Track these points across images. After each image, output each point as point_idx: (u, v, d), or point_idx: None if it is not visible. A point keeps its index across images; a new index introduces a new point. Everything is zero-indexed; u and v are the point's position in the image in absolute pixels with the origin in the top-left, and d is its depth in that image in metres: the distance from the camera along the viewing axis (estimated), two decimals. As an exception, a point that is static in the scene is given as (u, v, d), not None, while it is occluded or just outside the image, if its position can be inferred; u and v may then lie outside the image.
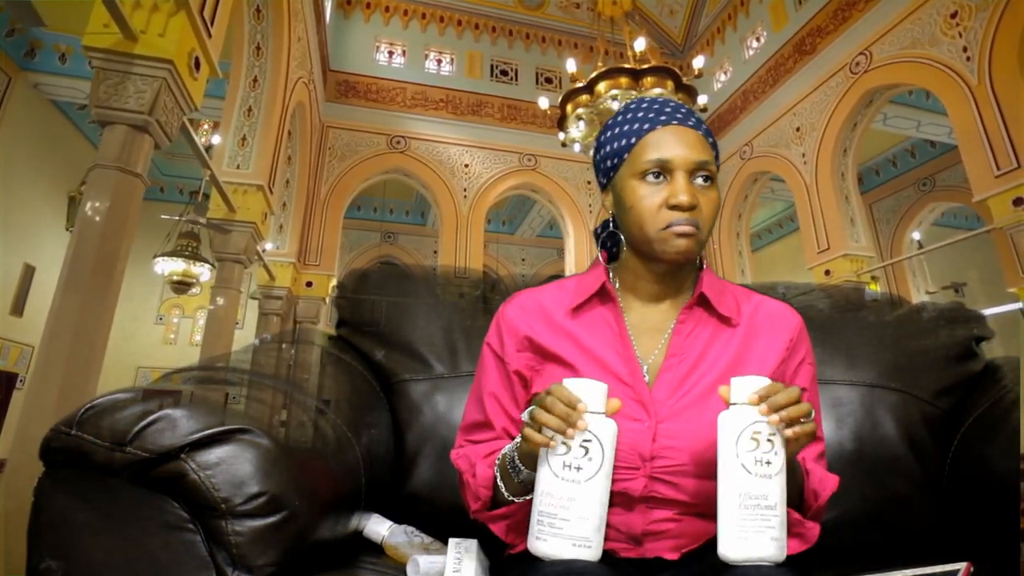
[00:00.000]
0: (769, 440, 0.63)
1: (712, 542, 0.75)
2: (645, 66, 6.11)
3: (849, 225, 7.40)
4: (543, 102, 6.80)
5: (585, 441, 0.65)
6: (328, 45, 8.76)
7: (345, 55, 9.54)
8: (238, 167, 5.82)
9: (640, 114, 0.84)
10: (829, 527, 0.79)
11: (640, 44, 6.18)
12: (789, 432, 0.63)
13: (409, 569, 0.86)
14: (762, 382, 0.66)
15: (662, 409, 0.78)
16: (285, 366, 1.07)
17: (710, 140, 0.83)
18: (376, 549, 0.97)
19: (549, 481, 0.65)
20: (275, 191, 6.46)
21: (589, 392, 0.66)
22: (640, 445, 0.77)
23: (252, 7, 5.67)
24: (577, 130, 6.44)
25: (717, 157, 0.85)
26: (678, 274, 0.85)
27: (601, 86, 6.15)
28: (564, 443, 0.65)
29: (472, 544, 0.82)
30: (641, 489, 0.76)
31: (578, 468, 0.64)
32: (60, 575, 0.66)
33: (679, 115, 0.82)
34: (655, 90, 5.96)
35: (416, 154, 9.32)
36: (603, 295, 0.87)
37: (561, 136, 6.68)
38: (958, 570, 0.71)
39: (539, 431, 0.66)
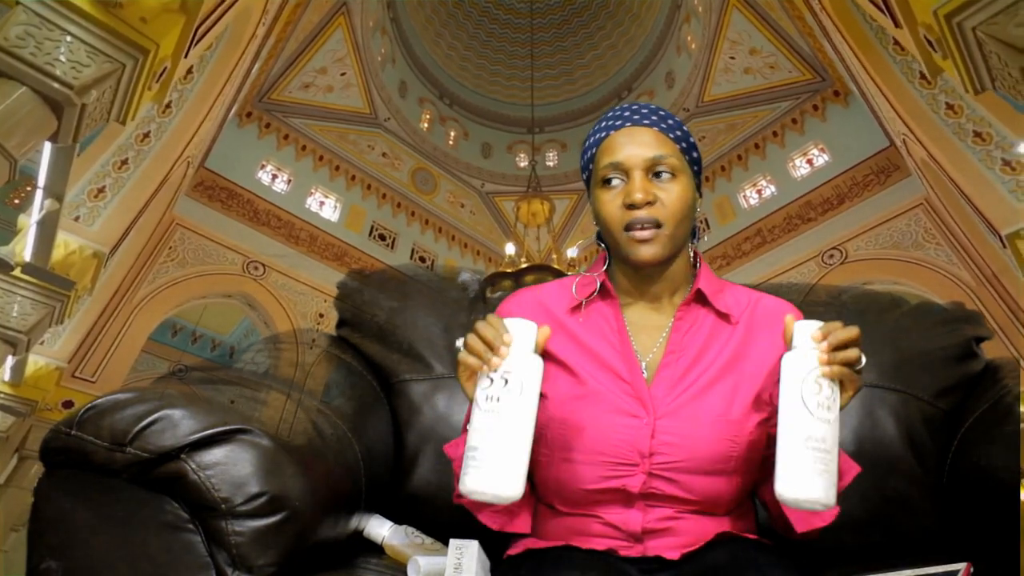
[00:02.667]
0: (830, 386, 0.64)
1: (713, 542, 0.76)
2: (524, 265, 6.58)
3: None
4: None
5: (506, 373, 0.66)
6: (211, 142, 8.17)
7: (226, 160, 8.76)
8: (77, 219, 4.73)
9: (603, 123, 0.85)
10: (829, 527, 0.79)
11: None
12: (827, 370, 0.63)
13: (409, 569, 0.86)
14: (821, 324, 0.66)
15: (660, 406, 0.78)
16: (285, 366, 1.07)
17: (672, 134, 0.82)
18: (376, 549, 0.97)
19: (474, 415, 0.66)
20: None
21: (519, 329, 0.68)
22: (639, 442, 0.77)
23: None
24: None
25: (691, 148, 0.84)
26: (667, 272, 0.85)
27: (488, 291, 6.73)
28: (488, 377, 0.66)
29: (472, 545, 0.82)
30: (640, 486, 0.76)
31: (498, 399, 0.65)
32: (60, 575, 0.65)
33: (635, 116, 0.83)
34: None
35: (271, 287, 8.48)
36: (603, 293, 0.87)
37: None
38: (958, 570, 0.71)
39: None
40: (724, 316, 0.84)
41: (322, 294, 8.68)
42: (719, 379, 0.80)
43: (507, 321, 0.69)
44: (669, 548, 0.76)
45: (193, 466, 0.69)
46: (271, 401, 0.92)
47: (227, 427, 0.73)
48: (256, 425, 0.76)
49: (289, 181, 9.68)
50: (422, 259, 10.57)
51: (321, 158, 10.23)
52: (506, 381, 0.66)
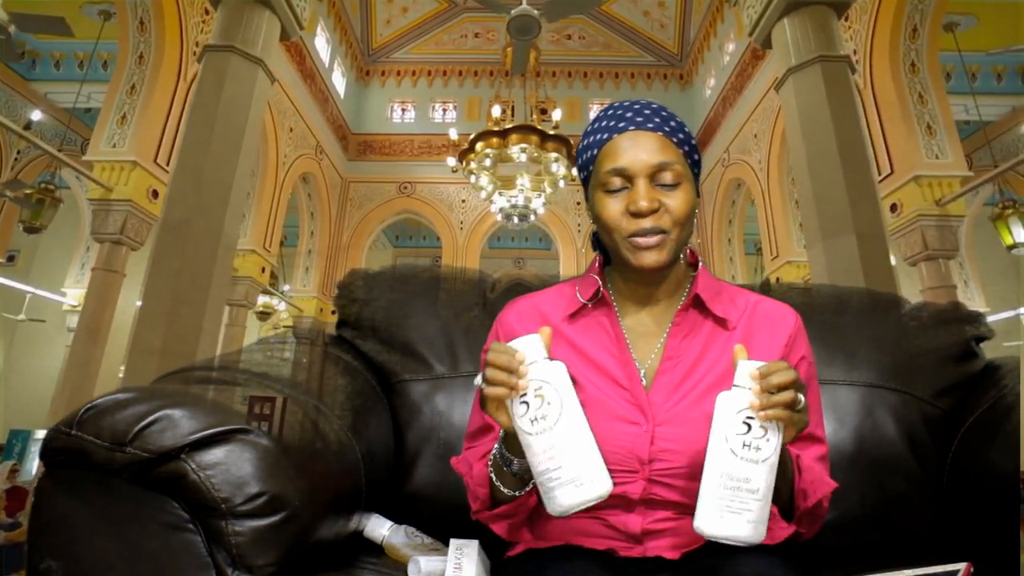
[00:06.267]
0: (763, 427, 0.64)
1: (713, 542, 0.75)
2: (508, 125, 6.75)
3: (797, 230, 7.37)
4: (453, 133, 7.45)
5: (537, 390, 0.66)
6: (346, 115, 10.68)
7: (365, 119, 11.21)
8: (114, 146, 6.22)
9: (604, 123, 0.83)
10: (829, 527, 0.79)
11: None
12: (762, 414, 0.63)
13: (410, 569, 0.86)
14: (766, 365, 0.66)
15: (659, 412, 0.78)
16: (285, 366, 1.07)
17: (676, 138, 0.81)
18: (376, 549, 0.97)
19: (529, 443, 0.66)
20: (301, 240, 9.61)
21: (527, 344, 0.69)
22: (638, 449, 0.76)
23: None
24: (482, 172, 7.15)
25: (693, 151, 0.83)
26: (666, 277, 0.84)
27: (479, 145, 6.89)
28: (522, 402, 0.67)
29: (473, 545, 0.82)
30: (640, 492, 0.76)
31: (543, 417, 0.66)
32: (60, 575, 0.66)
33: (639, 119, 0.81)
34: (519, 147, 6.75)
35: (421, 196, 10.78)
36: (599, 299, 0.87)
37: (451, 162, 7.35)
38: (958, 570, 0.71)
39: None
40: (721, 321, 0.84)
41: (459, 185, 10.15)
42: (717, 385, 0.79)
43: (511, 343, 0.69)
44: (669, 548, 0.76)
45: (193, 466, 0.69)
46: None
47: (227, 427, 0.73)
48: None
49: (413, 107, 11.45)
50: (543, 111, 9.92)
51: (429, 73, 11.52)
52: (541, 398, 0.66)
